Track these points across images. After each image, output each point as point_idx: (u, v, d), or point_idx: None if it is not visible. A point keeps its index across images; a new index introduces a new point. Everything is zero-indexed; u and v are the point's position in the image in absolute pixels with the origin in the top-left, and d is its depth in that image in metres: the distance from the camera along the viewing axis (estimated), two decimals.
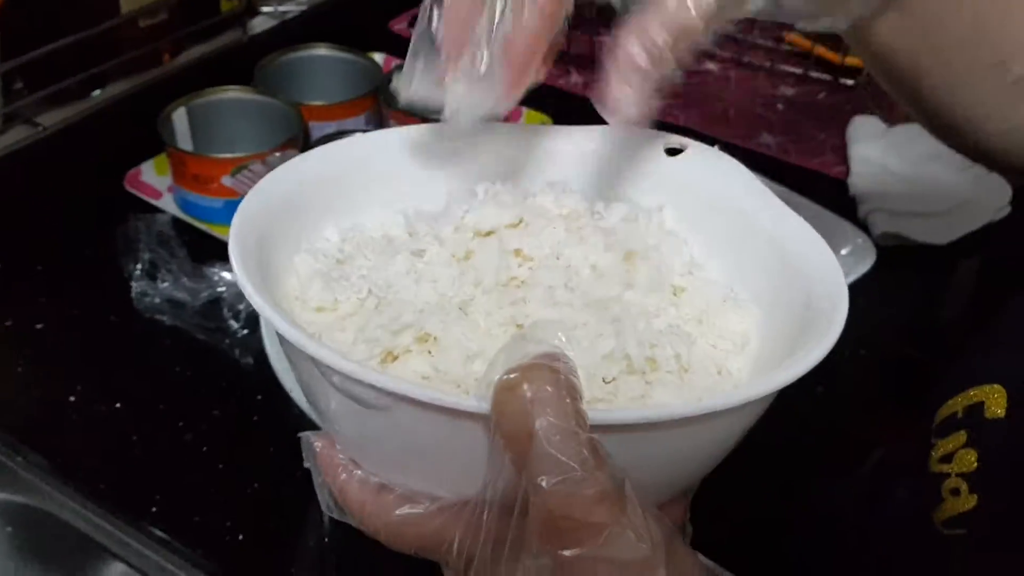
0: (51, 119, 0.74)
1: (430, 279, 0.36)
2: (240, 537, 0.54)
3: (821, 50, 0.97)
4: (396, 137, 0.42)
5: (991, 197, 0.81)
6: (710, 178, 0.42)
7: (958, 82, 0.39)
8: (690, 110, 0.93)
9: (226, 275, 0.65)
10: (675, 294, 0.39)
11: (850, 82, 0.96)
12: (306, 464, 0.35)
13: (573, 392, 0.26)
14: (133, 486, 0.56)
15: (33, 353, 0.64)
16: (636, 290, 0.37)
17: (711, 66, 1.00)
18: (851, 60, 0.95)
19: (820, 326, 0.32)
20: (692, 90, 0.96)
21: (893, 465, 0.41)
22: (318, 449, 0.34)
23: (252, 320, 0.65)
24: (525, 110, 0.88)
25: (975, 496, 0.34)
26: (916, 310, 0.74)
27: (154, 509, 0.55)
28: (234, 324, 0.65)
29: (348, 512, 0.34)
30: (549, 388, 0.26)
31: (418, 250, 0.38)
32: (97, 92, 0.76)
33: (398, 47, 0.95)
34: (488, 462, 0.28)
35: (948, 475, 0.35)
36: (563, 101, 0.89)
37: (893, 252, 0.76)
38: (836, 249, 0.74)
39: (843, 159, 0.87)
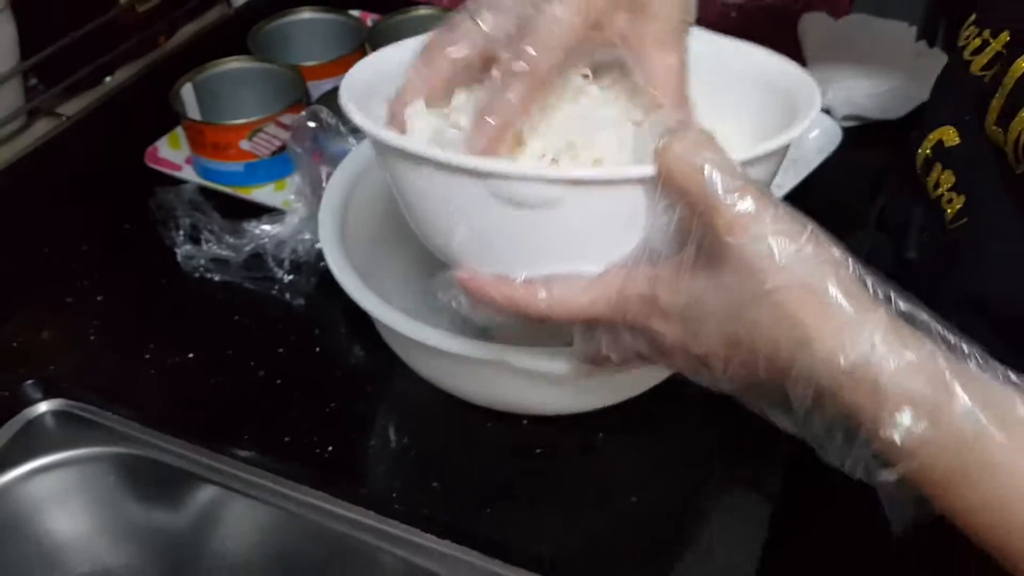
0: (71, 109, 0.78)
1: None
2: (329, 448, 0.61)
3: None
4: None
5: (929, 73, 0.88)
6: None
7: None
8: None
9: (266, 228, 0.71)
10: None
11: None
12: (444, 299, 0.43)
13: (714, 138, 0.36)
14: (221, 421, 0.63)
15: (101, 322, 0.69)
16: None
17: None
18: None
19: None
20: None
21: (907, 200, 0.54)
22: (464, 276, 0.42)
23: (295, 266, 0.71)
24: None
25: (963, 196, 0.48)
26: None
27: (245, 436, 0.61)
28: (279, 271, 0.71)
29: (525, 314, 0.41)
30: (701, 138, 0.36)
31: None
32: (108, 79, 0.80)
33: (371, 2, 1.00)
34: (651, 214, 0.38)
35: (941, 194, 0.50)
36: None
37: (856, 131, 0.84)
38: (807, 132, 0.82)
39: (798, 54, 0.94)
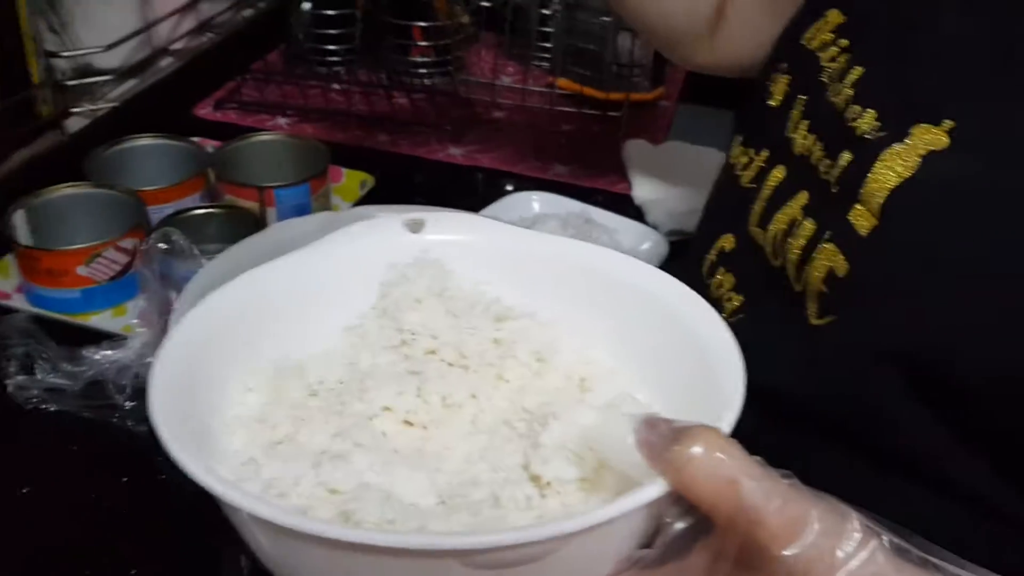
0: None
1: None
2: None
3: (588, 90, 1.12)
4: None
5: None
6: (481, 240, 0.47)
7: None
8: (490, 153, 1.05)
9: (108, 353, 0.68)
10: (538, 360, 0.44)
11: (615, 113, 1.11)
12: None
13: (725, 435, 0.33)
14: (61, 557, 0.59)
15: None
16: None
17: (498, 114, 1.13)
18: (613, 96, 1.11)
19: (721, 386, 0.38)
20: (488, 136, 1.08)
21: None
22: None
23: (138, 392, 0.69)
24: (345, 170, 0.96)
25: (740, 295, 0.55)
26: None
27: (87, 572, 0.58)
28: (119, 398, 0.68)
29: None
30: (723, 440, 0.32)
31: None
32: None
33: (205, 130, 1.01)
34: (648, 526, 0.34)
35: (722, 294, 0.56)
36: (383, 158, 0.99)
37: (680, 244, 0.90)
38: (638, 246, 0.88)
39: (623, 177, 1.02)
